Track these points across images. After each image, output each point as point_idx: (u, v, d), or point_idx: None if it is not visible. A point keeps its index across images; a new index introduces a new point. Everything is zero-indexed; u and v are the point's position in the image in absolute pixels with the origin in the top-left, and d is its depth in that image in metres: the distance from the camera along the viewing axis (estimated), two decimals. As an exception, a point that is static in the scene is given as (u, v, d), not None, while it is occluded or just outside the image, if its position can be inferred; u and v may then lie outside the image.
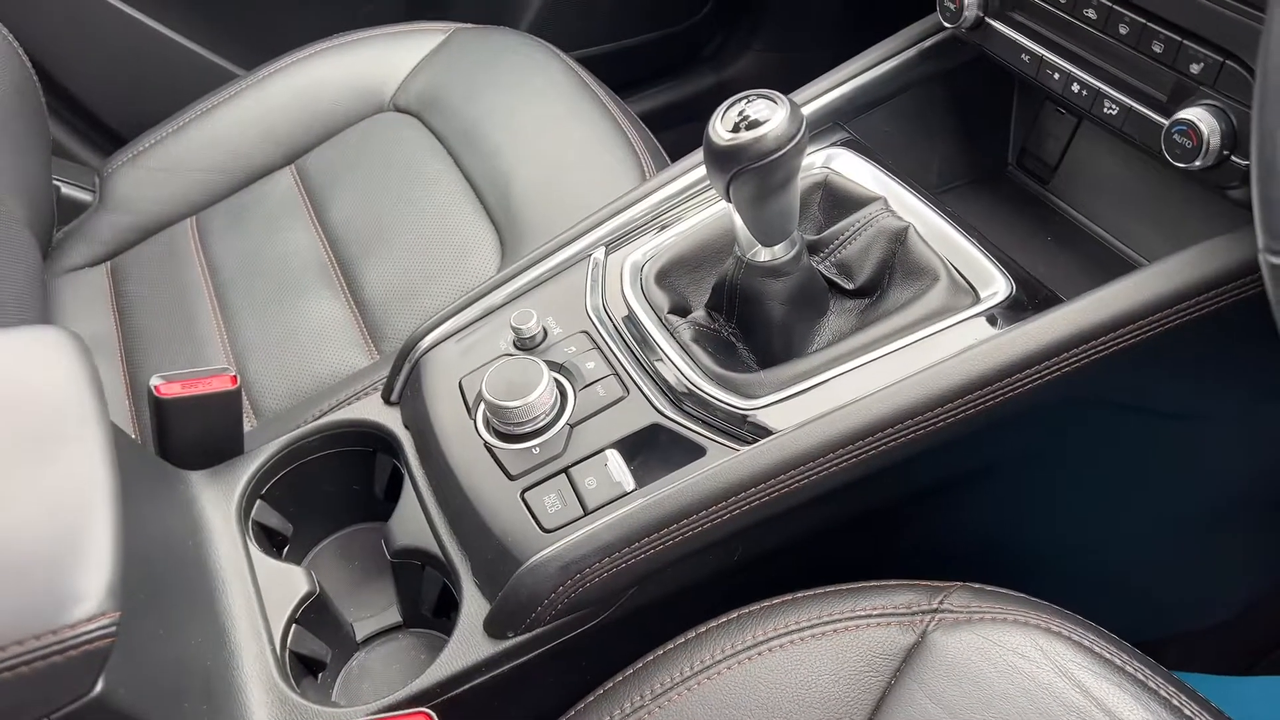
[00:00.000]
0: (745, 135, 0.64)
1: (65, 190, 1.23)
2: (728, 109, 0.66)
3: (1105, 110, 0.74)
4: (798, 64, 1.73)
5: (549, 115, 1.14)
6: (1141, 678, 0.61)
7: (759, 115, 0.64)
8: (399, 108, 1.24)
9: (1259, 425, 0.79)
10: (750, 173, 0.65)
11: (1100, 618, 0.73)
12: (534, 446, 0.71)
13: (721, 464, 0.66)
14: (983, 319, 0.71)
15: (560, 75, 1.19)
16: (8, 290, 1.09)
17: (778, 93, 0.66)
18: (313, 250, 1.12)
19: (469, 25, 1.31)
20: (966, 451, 0.70)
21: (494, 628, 0.66)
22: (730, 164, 0.65)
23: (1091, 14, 0.73)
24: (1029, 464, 0.75)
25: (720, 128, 0.65)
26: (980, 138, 0.96)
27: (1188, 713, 0.59)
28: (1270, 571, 0.97)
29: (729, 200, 0.68)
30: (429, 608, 0.75)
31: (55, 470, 0.55)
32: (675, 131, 1.72)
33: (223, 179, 1.23)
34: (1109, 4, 0.72)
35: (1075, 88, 0.76)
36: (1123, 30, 0.71)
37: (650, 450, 0.70)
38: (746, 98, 0.66)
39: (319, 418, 0.88)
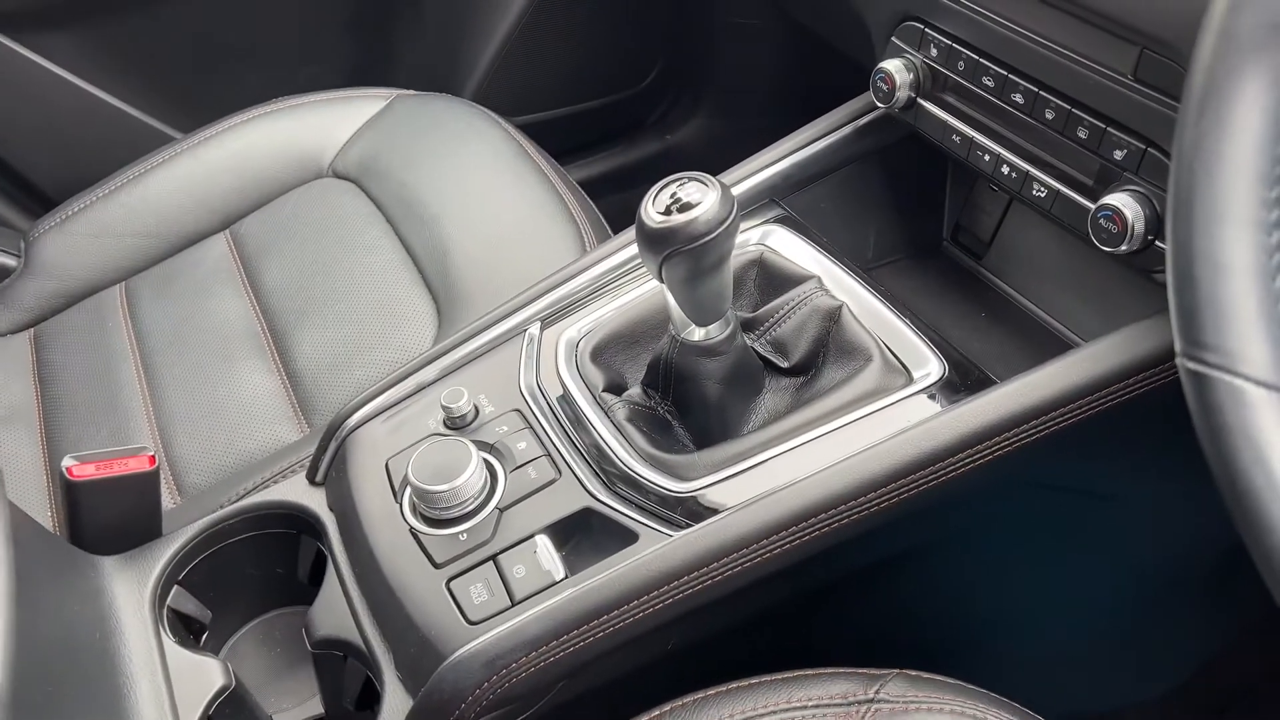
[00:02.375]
0: (677, 218, 0.63)
1: (-12, 254, 1.20)
2: (659, 191, 0.66)
3: (1034, 193, 0.75)
4: (741, 131, 1.75)
5: (489, 184, 1.13)
6: None
7: (690, 198, 0.64)
8: (338, 174, 1.23)
9: (1193, 504, 0.79)
10: (682, 255, 0.64)
11: (1047, 694, 0.72)
12: (461, 532, 0.69)
13: (654, 551, 0.64)
14: (916, 400, 0.70)
15: (501, 143, 1.18)
16: (-79, 358, 1.05)
17: (709, 175, 0.66)
18: (245, 319, 1.09)
19: (410, 92, 1.30)
20: (902, 533, 0.69)
21: (416, 725, 0.64)
22: (662, 246, 0.64)
23: (1019, 98, 0.74)
24: (965, 544, 0.75)
25: (652, 210, 0.65)
26: (915, 213, 0.96)
27: None
28: (1210, 641, 0.97)
29: (662, 281, 0.68)
30: (351, 700, 0.72)
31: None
32: (622, 196, 1.73)
33: (154, 244, 1.21)
34: (1035, 90, 0.73)
35: (1005, 169, 0.77)
36: (1049, 115, 0.72)
37: (582, 535, 0.68)
38: (679, 180, 0.66)
39: (242, 497, 0.85)
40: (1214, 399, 0.40)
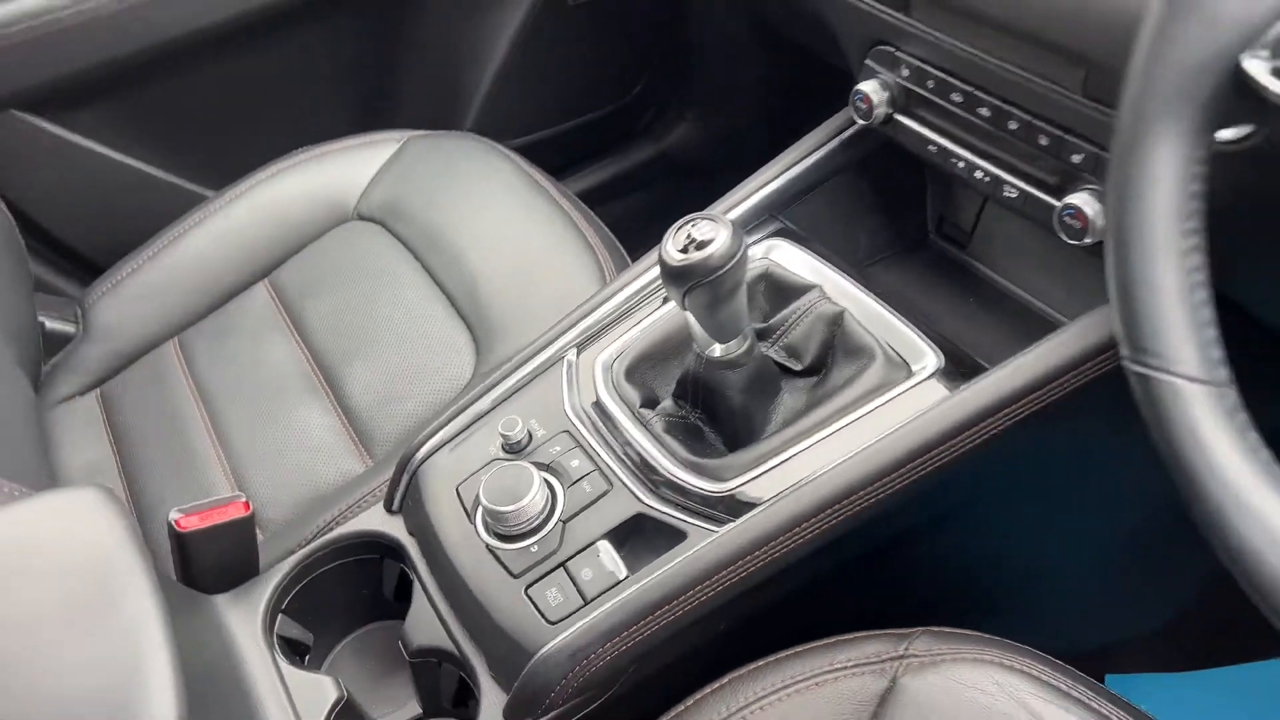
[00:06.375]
0: (695, 255, 0.73)
1: (50, 325, 1.29)
2: (676, 231, 0.75)
3: (1005, 194, 0.84)
4: (729, 130, 1.85)
5: (508, 217, 1.22)
6: (1085, 700, 0.69)
7: (704, 236, 0.73)
8: (363, 216, 1.32)
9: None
10: (703, 286, 0.73)
11: (1054, 634, 0.81)
12: (532, 545, 0.78)
13: (702, 546, 0.74)
14: (917, 391, 0.80)
15: (513, 177, 1.27)
16: (4, 428, 1.15)
17: (717, 214, 0.75)
18: (295, 362, 1.19)
19: (421, 132, 1.39)
20: (918, 508, 0.79)
21: (514, 715, 0.74)
22: (685, 280, 0.73)
23: (984, 112, 0.83)
24: (976, 510, 0.84)
25: (672, 250, 0.74)
26: (901, 212, 1.06)
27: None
28: (1199, 576, 1.07)
29: (685, 309, 0.77)
30: (448, 700, 0.82)
31: (114, 629, 0.62)
32: (622, 202, 1.83)
33: (201, 300, 1.30)
34: (998, 104, 0.82)
35: (978, 174, 0.86)
36: (1012, 126, 0.81)
37: (637, 538, 0.78)
38: (692, 221, 0.75)
39: (325, 529, 0.95)
40: (1156, 394, 0.49)
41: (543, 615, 0.75)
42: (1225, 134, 0.58)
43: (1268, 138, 0.55)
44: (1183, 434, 0.48)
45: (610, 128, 1.81)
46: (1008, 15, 0.75)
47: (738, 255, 0.73)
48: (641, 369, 0.89)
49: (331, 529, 0.93)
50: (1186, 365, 0.48)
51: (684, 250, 0.74)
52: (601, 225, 1.21)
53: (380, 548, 0.89)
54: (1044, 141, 0.79)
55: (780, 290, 0.90)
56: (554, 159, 1.56)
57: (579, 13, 1.62)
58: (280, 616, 0.86)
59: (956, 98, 0.85)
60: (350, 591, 0.91)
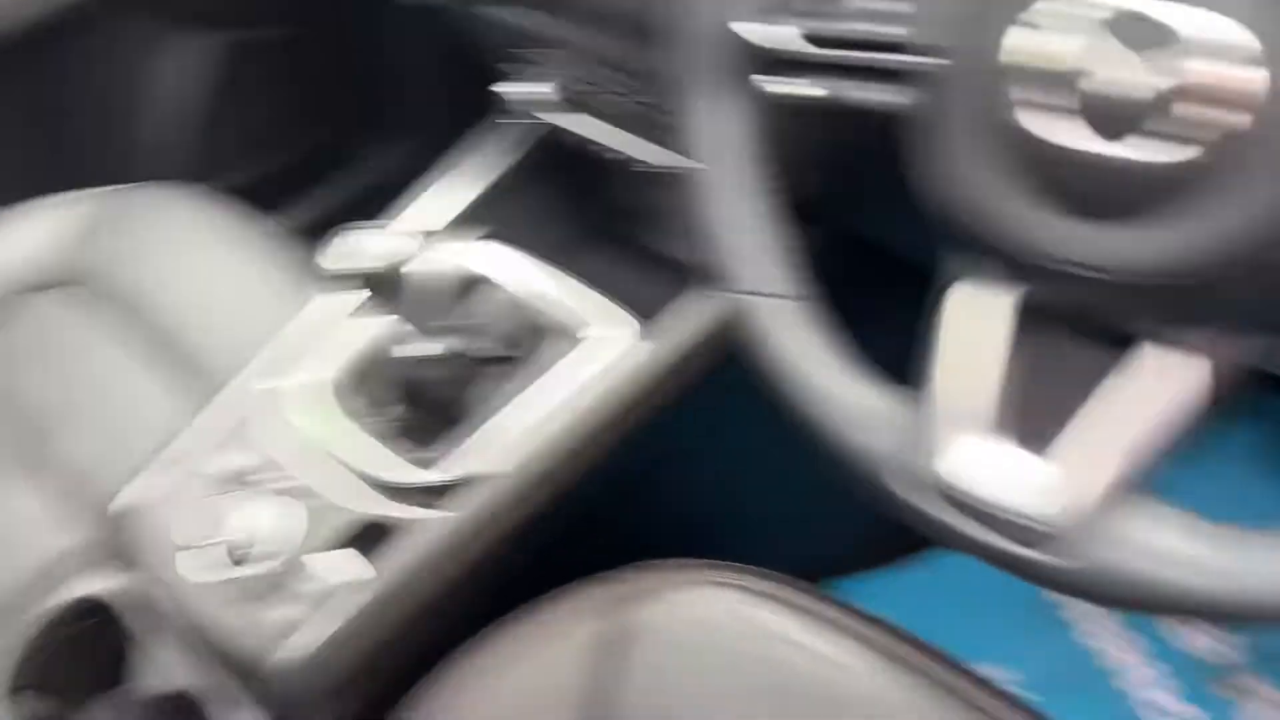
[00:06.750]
0: (359, 266, 0.77)
1: None
2: (337, 242, 0.79)
3: (647, 170, 0.94)
4: (441, 152, 1.88)
5: (208, 263, 1.21)
6: (804, 604, 0.76)
7: (368, 245, 0.78)
8: (57, 283, 1.27)
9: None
10: (376, 291, 0.78)
11: (772, 555, 0.90)
12: (264, 570, 0.80)
13: (424, 535, 0.79)
14: (609, 354, 0.87)
15: (213, 221, 1.26)
16: None
17: (372, 222, 0.79)
18: (-1, 443, 1.13)
19: (110, 189, 1.35)
20: (624, 457, 0.86)
21: (276, 743, 0.76)
22: (362, 288, 0.78)
23: (612, 97, 0.92)
24: (680, 452, 0.93)
25: (332, 260, 0.78)
26: (586, 196, 1.14)
27: (829, 616, 0.76)
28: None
29: (378, 314, 0.81)
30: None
31: None
32: (341, 232, 1.83)
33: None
34: (623, 86, 0.91)
35: (617, 155, 0.95)
36: (640, 105, 0.90)
37: (369, 542, 0.81)
38: (352, 231, 0.79)
39: (48, 601, 0.92)
40: (741, 312, 0.58)
41: (283, 635, 0.77)
42: (789, 89, 0.66)
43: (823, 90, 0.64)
44: (764, 341, 0.57)
45: (322, 160, 1.81)
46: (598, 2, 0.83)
47: (400, 261, 0.78)
48: (351, 381, 0.92)
49: (56, 600, 0.90)
50: (753, 283, 0.57)
51: (348, 259, 0.78)
52: (298, 254, 1.22)
53: (103, 610, 0.88)
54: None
55: (473, 286, 0.96)
56: (265, 197, 1.55)
57: (269, 51, 1.62)
58: (16, 696, 0.84)
59: (586, 88, 0.94)
60: (89, 657, 0.89)
